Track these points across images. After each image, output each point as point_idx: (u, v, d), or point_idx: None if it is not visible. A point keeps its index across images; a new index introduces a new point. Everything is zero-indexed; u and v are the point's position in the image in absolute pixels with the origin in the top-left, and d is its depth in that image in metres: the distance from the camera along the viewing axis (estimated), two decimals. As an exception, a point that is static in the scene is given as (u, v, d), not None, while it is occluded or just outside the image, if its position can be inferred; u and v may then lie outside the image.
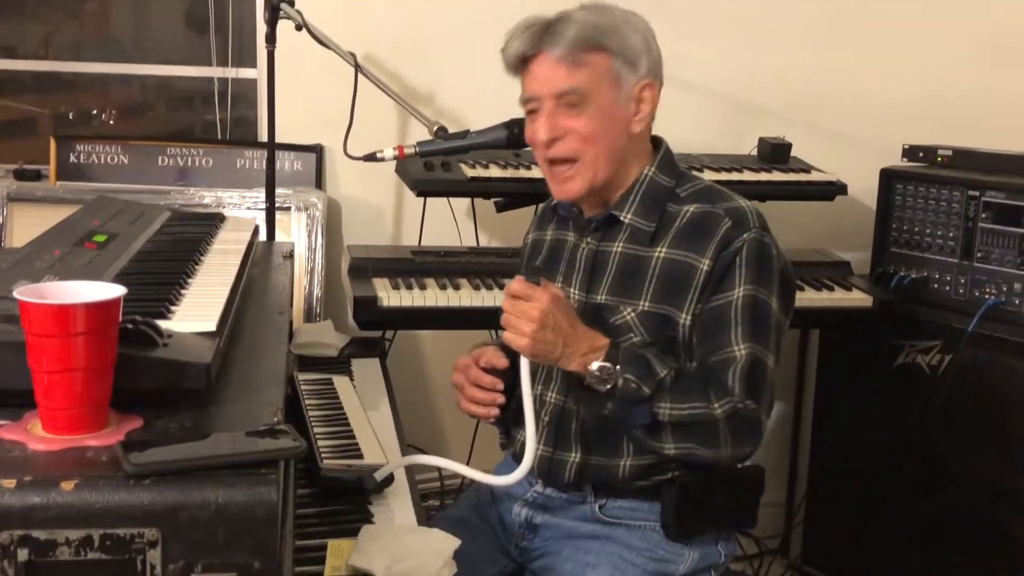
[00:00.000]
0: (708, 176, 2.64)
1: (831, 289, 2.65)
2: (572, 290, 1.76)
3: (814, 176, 2.76)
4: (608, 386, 1.60)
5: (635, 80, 1.69)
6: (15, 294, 1.08)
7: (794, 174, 2.75)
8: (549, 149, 1.70)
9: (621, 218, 1.73)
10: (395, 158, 2.30)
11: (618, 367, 1.60)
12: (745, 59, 3.07)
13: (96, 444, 1.09)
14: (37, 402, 1.10)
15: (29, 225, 2.47)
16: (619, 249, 1.74)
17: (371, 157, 2.30)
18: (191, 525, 1.02)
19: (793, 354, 3.16)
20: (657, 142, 1.80)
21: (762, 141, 2.88)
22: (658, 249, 1.71)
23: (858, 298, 2.64)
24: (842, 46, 3.12)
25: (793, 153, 2.86)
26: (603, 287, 1.73)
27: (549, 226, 1.89)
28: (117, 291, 1.12)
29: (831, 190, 2.73)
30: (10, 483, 1.00)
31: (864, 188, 2.89)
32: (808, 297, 2.61)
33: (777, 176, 2.73)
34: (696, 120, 3.04)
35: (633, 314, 1.69)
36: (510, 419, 1.82)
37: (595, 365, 1.60)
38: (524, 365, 1.62)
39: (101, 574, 1.01)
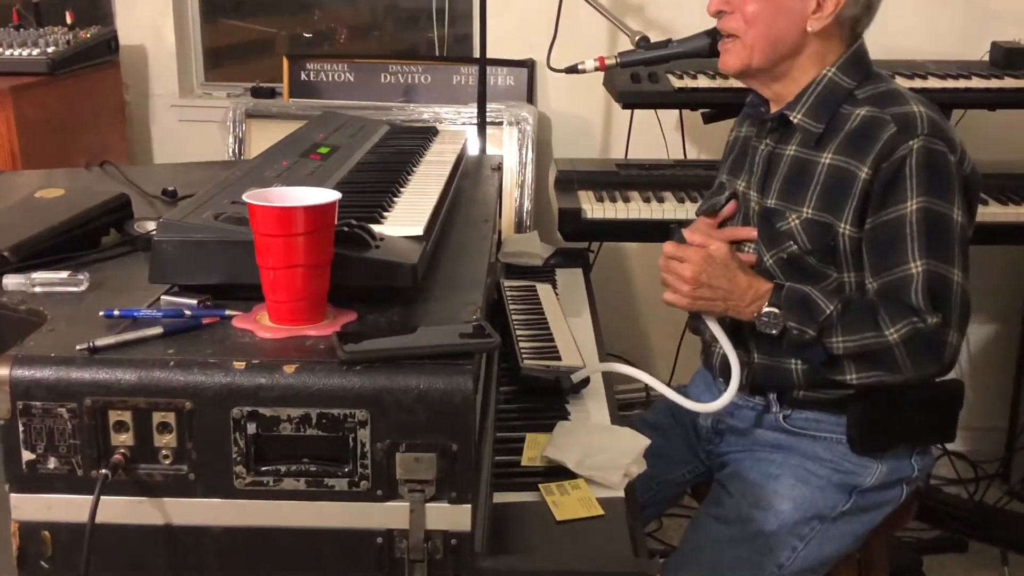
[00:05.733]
0: (933, 84, 2.52)
1: (1065, 203, 2.49)
2: (751, 192, 1.78)
3: (1051, 82, 2.57)
4: (776, 331, 1.62)
5: None
6: (244, 198, 1.20)
7: (1028, 80, 2.57)
8: (718, 20, 1.74)
9: (791, 118, 1.70)
10: (596, 69, 2.30)
11: (781, 312, 1.61)
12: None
13: (315, 334, 1.21)
14: (264, 295, 1.23)
15: (265, 139, 2.65)
16: (791, 152, 1.72)
17: (572, 69, 2.32)
18: (396, 408, 1.12)
19: (1022, 269, 2.99)
20: (854, 43, 1.73)
21: (995, 46, 2.69)
22: (825, 154, 1.67)
23: (1095, 213, 2.46)
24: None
25: (1029, 58, 2.67)
26: (773, 191, 1.72)
27: (744, 123, 1.90)
28: (332, 196, 1.23)
29: (1069, 97, 2.54)
30: (241, 364, 1.13)
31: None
32: (1039, 211, 2.46)
33: (1010, 83, 2.55)
34: (924, 24, 2.89)
35: (797, 221, 1.67)
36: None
37: (762, 312, 1.62)
38: None
39: (318, 448, 1.14)
